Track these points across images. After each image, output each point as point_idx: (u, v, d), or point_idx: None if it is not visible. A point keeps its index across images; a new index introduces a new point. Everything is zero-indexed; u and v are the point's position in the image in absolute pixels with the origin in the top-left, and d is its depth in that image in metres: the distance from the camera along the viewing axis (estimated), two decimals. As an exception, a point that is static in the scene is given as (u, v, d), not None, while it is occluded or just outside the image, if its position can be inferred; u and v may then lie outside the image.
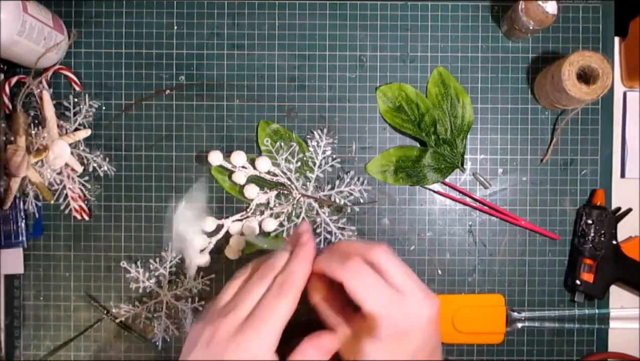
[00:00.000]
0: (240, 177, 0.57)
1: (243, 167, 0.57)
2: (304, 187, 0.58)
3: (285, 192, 0.58)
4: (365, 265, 0.39)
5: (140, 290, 0.59)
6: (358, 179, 0.59)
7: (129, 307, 0.59)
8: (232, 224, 0.58)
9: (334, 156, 0.59)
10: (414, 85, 0.59)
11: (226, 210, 0.59)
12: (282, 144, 0.58)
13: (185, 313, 0.58)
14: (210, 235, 0.57)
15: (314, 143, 0.58)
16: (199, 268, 0.58)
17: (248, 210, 0.58)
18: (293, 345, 0.41)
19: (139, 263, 0.59)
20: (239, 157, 0.57)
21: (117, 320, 0.59)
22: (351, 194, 0.58)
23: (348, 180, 0.58)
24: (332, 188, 0.58)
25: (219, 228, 0.58)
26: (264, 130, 0.59)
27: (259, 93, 0.59)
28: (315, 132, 0.58)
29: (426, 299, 0.39)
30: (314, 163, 0.58)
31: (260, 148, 0.58)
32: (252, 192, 0.57)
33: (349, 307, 0.41)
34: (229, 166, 0.57)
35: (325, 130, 0.58)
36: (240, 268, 0.43)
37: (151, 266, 0.59)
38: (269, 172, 0.57)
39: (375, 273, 0.39)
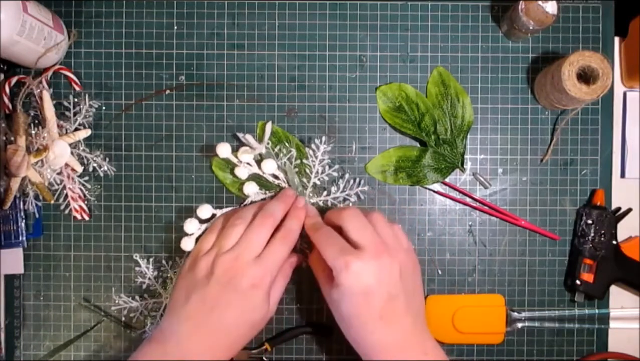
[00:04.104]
0: (243, 173, 0.57)
1: (248, 163, 0.57)
2: (302, 193, 0.58)
3: None
4: (329, 229, 0.50)
5: (144, 286, 0.59)
6: (354, 181, 0.59)
7: (128, 299, 0.59)
8: None
9: (332, 163, 0.59)
10: (414, 85, 0.59)
11: (217, 199, 0.59)
12: (282, 147, 0.58)
13: None
14: (202, 222, 0.57)
15: (311, 152, 0.58)
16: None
17: (242, 205, 0.58)
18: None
19: (150, 260, 0.59)
20: (246, 154, 0.56)
21: (113, 308, 0.59)
22: (347, 199, 0.58)
23: (343, 185, 0.58)
24: (329, 194, 0.58)
25: (213, 217, 0.57)
26: (263, 131, 0.58)
27: (259, 93, 0.59)
28: (313, 142, 0.58)
29: (376, 252, 0.47)
30: (311, 171, 0.58)
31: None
32: (250, 188, 0.57)
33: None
34: (234, 160, 0.57)
35: (324, 139, 0.58)
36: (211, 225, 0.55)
37: (162, 267, 0.59)
38: (271, 174, 0.57)
39: (336, 235, 0.49)
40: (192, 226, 0.56)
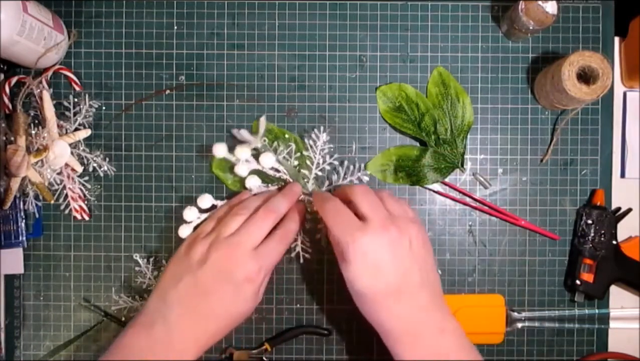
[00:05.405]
0: (243, 170, 0.56)
1: (247, 160, 0.57)
2: (304, 185, 0.58)
3: None
4: (337, 202, 0.48)
5: (144, 286, 0.59)
6: (355, 167, 0.59)
7: (128, 299, 0.59)
8: None
9: (332, 153, 0.59)
10: (414, 85, 0.59)
11: (217, 199, 0.58)
12: (280, 142, 0.58)
13: None
14: (202, 211, 0.57)
15: (311, 142, 0.58)
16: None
17: None
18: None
19: (150, 260, 0.59)
20: (243, 151, 0.56)
21: (113, 308, 0.59)
22: None
23: (343, 173, 0.58)
24: (331, 184, 0.58)
25: (213, 207, 0.57)
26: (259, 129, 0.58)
27: (259, 93, 0.59)
28: (312, 132, 0.58)
29: (383, 225, 0.45)
30: (312, 163, 0.58)
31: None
32: (253, 182, 0.57)
33: None
34: (232, 159, 0.57)
35: (322, 129, 0.58)
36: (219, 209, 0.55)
37: (162, 267, 0.59)
38: (272, 168, 0.57)
39: (344, 208, 0.48)
40: (191, 214, 0.56)
